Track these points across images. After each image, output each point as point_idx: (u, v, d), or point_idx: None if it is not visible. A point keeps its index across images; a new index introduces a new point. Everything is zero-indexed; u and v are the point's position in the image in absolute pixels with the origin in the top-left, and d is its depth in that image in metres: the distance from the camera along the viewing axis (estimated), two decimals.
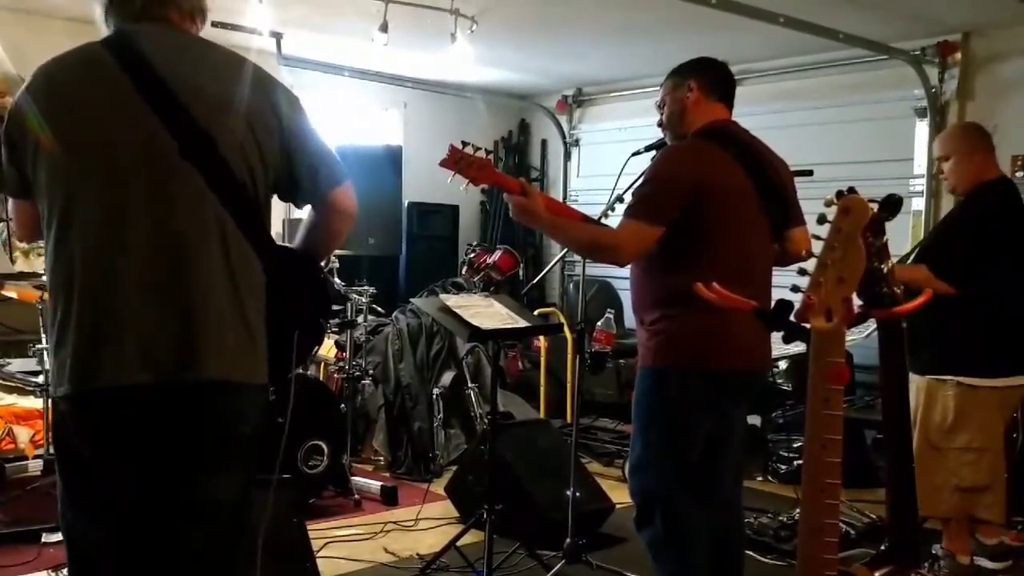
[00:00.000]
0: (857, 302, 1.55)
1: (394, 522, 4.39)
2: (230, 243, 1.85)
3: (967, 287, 3.28)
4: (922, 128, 5.77)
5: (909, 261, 3.58)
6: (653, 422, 2.61)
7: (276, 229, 2.21)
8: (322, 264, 2.26)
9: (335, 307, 5.20)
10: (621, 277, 6.95)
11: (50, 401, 1.93)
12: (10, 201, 2.01)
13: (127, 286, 1.78)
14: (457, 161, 2.65)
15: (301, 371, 5.07)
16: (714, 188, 2.54)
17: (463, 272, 6.30)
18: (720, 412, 2.60)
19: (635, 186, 2.66)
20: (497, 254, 6.17)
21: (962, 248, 3.38)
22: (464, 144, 2.68)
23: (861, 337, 4.00)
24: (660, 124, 2.85)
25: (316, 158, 1.97)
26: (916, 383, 3.52)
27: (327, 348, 5.19)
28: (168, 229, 1.81)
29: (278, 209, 2.26)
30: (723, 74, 2.79)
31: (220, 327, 1.83)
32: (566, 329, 5.64)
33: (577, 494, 3.81)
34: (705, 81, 2.73)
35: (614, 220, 3.68)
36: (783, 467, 5.22)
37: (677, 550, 2.60)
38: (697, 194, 2.51)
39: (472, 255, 6.27)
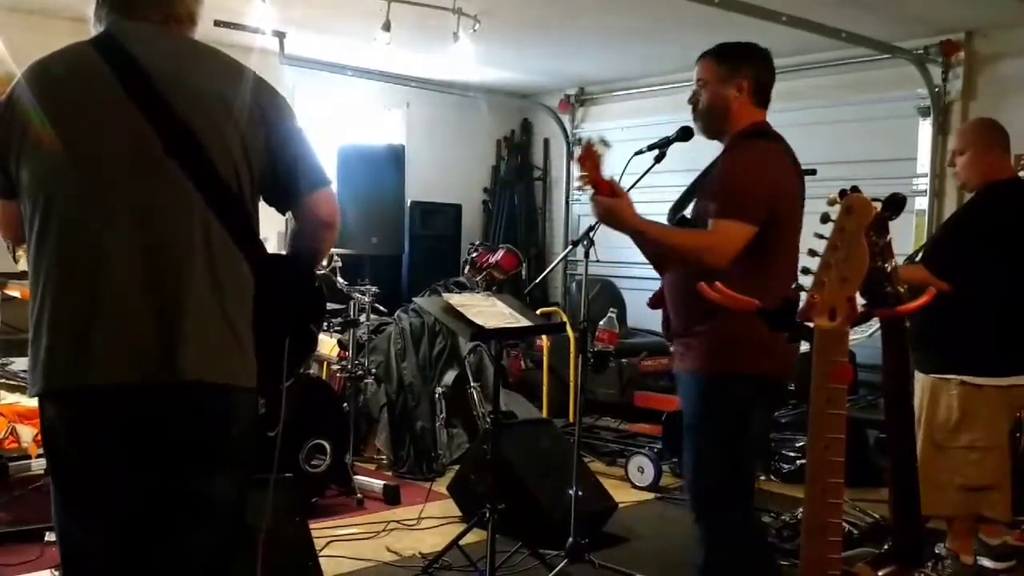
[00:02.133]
0: (860, 301, 1.55)
1: (396, 521, 4.39)
2: (215, 244, 1.84)
3: (965, 286, 3.26)
4: (925, 127, 5.75)
5: (918, 259, 3.58)
6: (710, 426, 2.61)
7: (279, 229, 2.19)
8: (315, 270, 2.22)
9: (338, 306, 5.21)
10: (624, 276, 6.97)
11: (38, 402, 1.91)
12: None
13: (108, 285, 1.78)
14: (590, 158, 2.49)
15: (303, 370, 5.07)
16: (785, 193, 2.53)
17: (465, 271, 6.32)
18: (766, 415, 2.61)
19: (712, 185, 2.55)
20: (499, 253, 6.18)
21: (963, 247, 3.36)
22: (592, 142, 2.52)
23: (864, 336, 3.99)
24: (692, 103, 2.71)
25: (297, 161, 1.95)
26: (920, 382, 3.51)
27: (330, 347, 5.19)
28: (151, 229, 1.80)
29: (277, 217, 2.25)
30: (772, 75, 2.69)
31: (202, 328, 1.81)
32: (568, 328, 5.64)
33: (579, 493, 3.80)
34: (756, 84, 2.64)
35: None
36: (786, 466, 5.21)
37: (735, 550, 2.62)
38: (774, 198, 2.49)
39: (474, 254, 6.29)
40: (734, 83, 2.63)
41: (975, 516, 3.55)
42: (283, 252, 2.10)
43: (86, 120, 1.82)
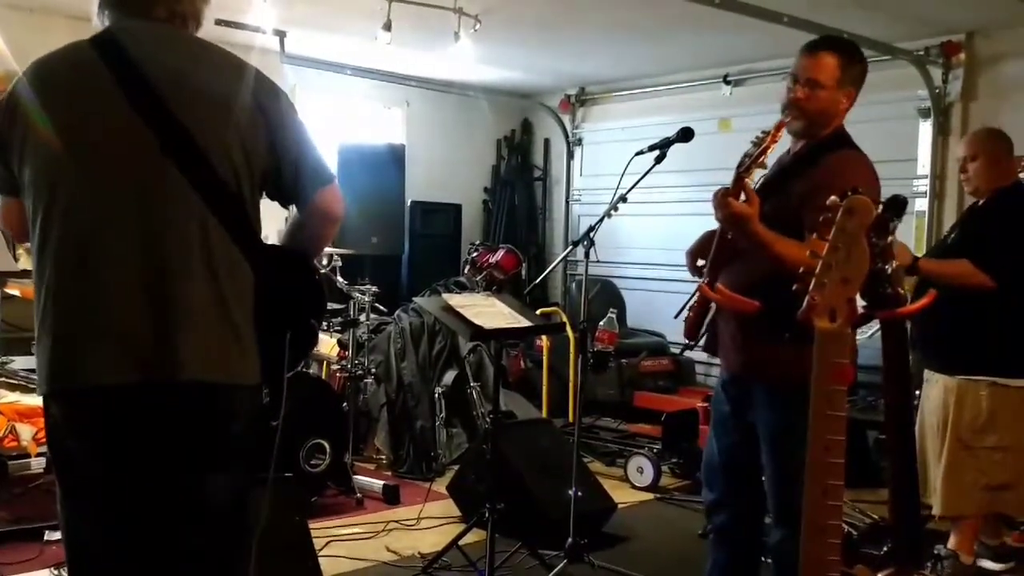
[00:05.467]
0: (861, 303, 1.54)
1: (396, 521, 4.39)
2: (212, 242, 1.84)
3: (1009, 281, 3.30)
4: (925, 129, 5.75)
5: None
6: (802, 435, 2.53)
7: (278, 227, 2.19)
8: (316, 264, 2.22)
9: (337, 306, 5.21)
10: (624, 277, 6.97)
11: (42, 401, 1.92)
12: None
13: (107, 285, 1.78)
14: (776, 140, 2.40)
15: (303, 369, 5.07)
16: None
17: (466, 271, 6.32)
18: None
19: (816, 197, 2.32)
20: (500, 253, 6.19)
21: (1003, 244, 3.39)
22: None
23: (864, 337, 3.99)
24: (797, 101, 2.54)
25: (301, 158, 1.94)
26: (944, 383, 3.53)
27: (329, 347, 5.19)
28: (149, 227, 1.80)
29: (277, 214, 2.25)
30: None
31: (201, 327, 1.81)
32: (568, 328, 5.64)
33: (579, 494, 3.80)
34: (856, 93, 2.56)
35: (617, 219, 3.70)
36: None
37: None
38: None
39: (475, 254, 6.29)
40: (847, 91, 2.52)
41: (995, 514, 3.59)
42: (279, 244, 2.09)
43: (83, 120, 1.82)
